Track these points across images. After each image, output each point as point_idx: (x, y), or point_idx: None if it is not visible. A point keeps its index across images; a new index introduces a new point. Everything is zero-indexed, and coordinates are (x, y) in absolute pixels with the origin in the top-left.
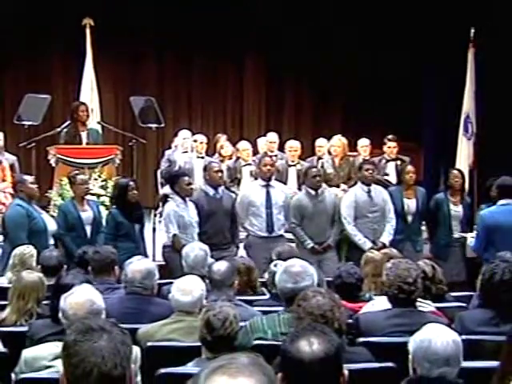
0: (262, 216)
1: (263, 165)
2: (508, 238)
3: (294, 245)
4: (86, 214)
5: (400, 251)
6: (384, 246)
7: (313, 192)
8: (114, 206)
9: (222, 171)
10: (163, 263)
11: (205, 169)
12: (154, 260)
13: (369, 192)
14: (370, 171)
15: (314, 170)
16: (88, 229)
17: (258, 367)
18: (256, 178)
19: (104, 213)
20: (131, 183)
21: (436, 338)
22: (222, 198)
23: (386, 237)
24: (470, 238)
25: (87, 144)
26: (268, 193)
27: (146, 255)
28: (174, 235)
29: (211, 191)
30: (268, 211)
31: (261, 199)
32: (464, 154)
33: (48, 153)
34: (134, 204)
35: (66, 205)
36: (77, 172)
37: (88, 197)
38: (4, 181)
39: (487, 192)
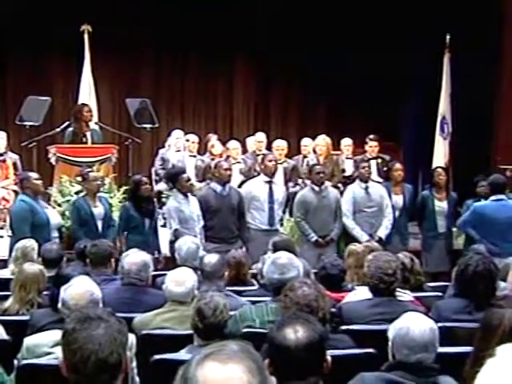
0: (265, 210)
1: (268, 160)
2: (499, 230)
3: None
4: (98, 210)
5: (386, 244)
6: (380, 240)
7: (317, 188)
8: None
9: (230, 169)
10: (168, 256)
11: (215, 166)
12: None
13: (366, 188)
14: (366, 169)
15: (318, 167)
16: (99, 224)
17: (246, 354)
18: (250, 177)
19: None
20: (144, 178)
21: (414, 325)
22: (228, 194)
23: (383, 231)
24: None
25: (93, 143)
26: (271, 188)
27: (158, 249)
28: (175, 230)
29: (219, 188)
30: (270, 206)
31: (264, 194)
32: (440, 153)
33: (48, 152)
34: (146, 198)
35: (79, 201)
36: (88, 169)
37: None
38: (7, 178)
39: (474, 188)
